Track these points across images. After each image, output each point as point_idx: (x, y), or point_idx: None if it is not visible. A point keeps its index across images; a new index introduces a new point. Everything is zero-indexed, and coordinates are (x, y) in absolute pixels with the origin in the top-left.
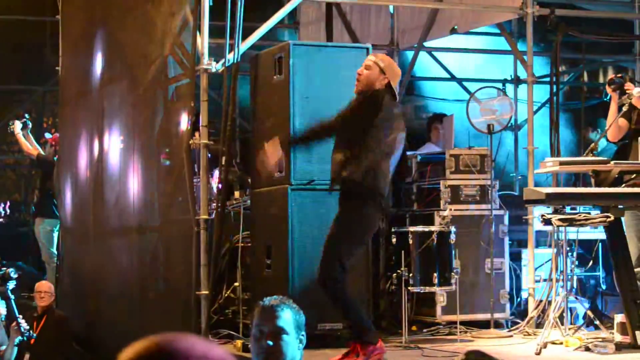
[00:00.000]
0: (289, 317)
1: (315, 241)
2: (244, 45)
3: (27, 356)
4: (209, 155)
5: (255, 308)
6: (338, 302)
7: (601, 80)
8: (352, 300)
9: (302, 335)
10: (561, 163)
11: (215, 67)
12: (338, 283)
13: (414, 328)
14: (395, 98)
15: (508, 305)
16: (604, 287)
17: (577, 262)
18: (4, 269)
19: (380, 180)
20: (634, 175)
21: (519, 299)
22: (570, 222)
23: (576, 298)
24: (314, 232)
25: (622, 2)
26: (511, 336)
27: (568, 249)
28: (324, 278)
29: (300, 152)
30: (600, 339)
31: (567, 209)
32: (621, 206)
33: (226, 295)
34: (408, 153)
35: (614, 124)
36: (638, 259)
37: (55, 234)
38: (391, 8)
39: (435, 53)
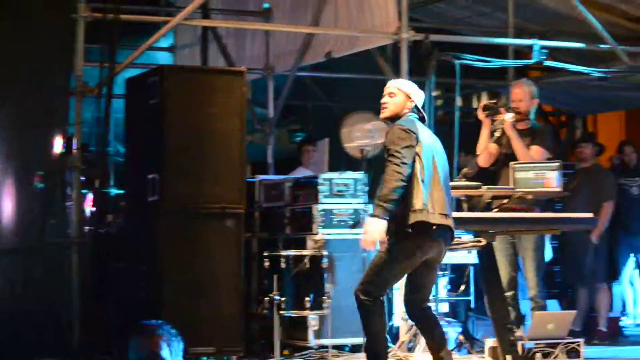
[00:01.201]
0: (166, 342)
1: (187, 264)
2: (120, 69)
3: None
4: (83, 178)
5: (133, 333)
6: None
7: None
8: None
9: None
10: None
11: (91, 90)
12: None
13: (285, 352)
14: (424, 120)
15: None
16: (474, 311)
17: (449, 286)
18: None
19: None
20: (505, 200)
21: (391, 323)
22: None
23: (447, 322)
24: (186, 255)
25: (496, 27)
26: None
27: (440, 273)
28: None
29: (177, 175)
30: None
31: None
32: (492, 231)
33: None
34: (281, 177)
35: (485, 150)
36: (509, 284)
37: None
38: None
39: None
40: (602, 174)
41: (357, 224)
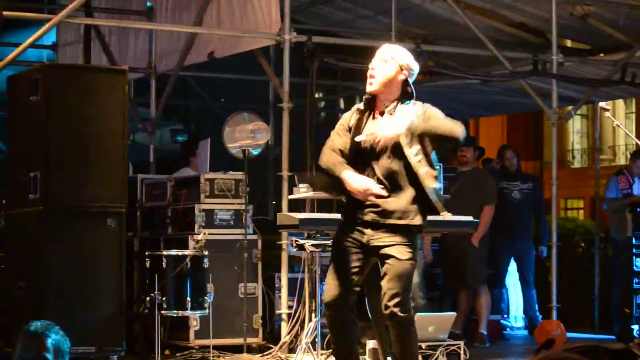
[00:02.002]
0: (53, 344)
1: (69, 263)
2: (1, 66)
3: None
4: None
5: (19, 334)
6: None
7: None
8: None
9: None
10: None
11: None
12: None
13: (167, 352)
14: (413, 96)
15: (261, 330)
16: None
17: None
18: None
19: None
20: None
21: (272, 324)
22: (323, 248)
23: None
24: (67, 254)
25: (379, 31)
26: None
27: (321, 274)
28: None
29: (58, 173)
30: None
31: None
32: None
33: None
34: (163, 177)
35: None
36: None
37: None
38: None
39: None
40: (483, 178)
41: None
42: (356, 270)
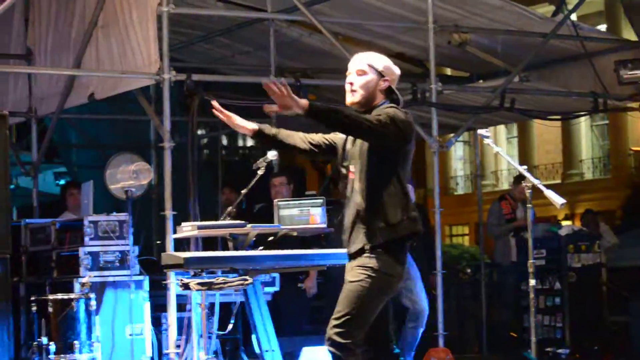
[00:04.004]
0: None
1: None
2: None
3: None
4: None
5: None
6: None
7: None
8: None
9: None
10: (199, 227)
11: None
12: None
13: None
14: (399, 102)
15: None
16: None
17: (217, 325)
18: None
19: None
20: (270, 237)
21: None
22: (209, 286)
23: None
24: None
25: (258, 66)
26: None
27: (208, 312)
28: None
29: None
30: None
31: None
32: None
33: None
34: (47, 220)
35: None
36: None
37: None
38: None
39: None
40: None
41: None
42: None
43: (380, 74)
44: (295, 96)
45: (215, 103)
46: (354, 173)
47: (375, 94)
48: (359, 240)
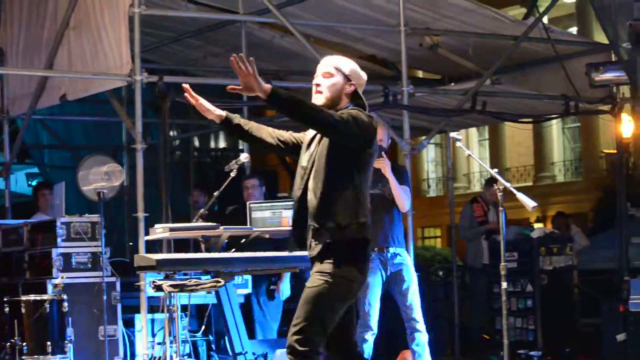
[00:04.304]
0: None
1: None
2: None
3: None
4: None
5: None
6: None
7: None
8: None
9: None
10: (171, 229)
11: None
12: None
13: None
14: (365, 108)
15: None
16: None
17: (190, 327)
18: None
19: None
20: (243, 239)
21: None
22: (181, 288)
23: None
24: None
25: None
26: None
27: (181, 314)
28: None
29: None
30: None
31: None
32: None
33: None
34: (19, 222)
35: None
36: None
37: None
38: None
39: (46, 120)
40: None
41: None
42: None
43: (347, 78)
44: (260, 79)
45: (186, 86)
46: (310, 172)
47: (341, 97)
48: (313, 242)
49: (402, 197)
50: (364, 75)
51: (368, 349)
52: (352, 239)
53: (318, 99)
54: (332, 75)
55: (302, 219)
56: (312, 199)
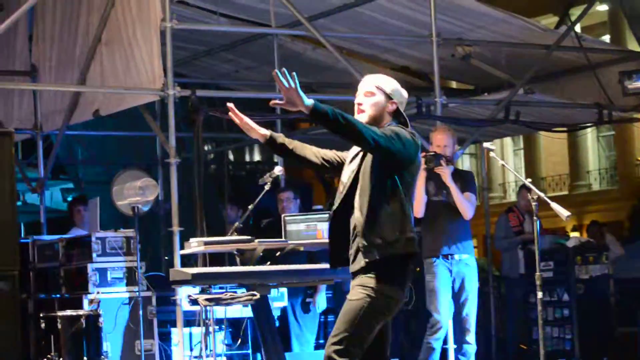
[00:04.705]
0: None
1: None
2: None
3: None
4: None
5: None
6: None
7: (247, 158)
8: None
9: None
10: (206, 243)
11: None
12: None
13: None
14: (407, 125)
15: None
16: None
17: (226, 341)
18: None
19: None
20: (278, 252)
21: None
22: (217, 302)
23: None
24: None
25: (263, 81)
26: None
27: (217, 327)
28: None
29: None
30: None
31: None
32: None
33: None
34: (54, 237)
35: (421, 201)
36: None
37: None
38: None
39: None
40: None
41: None
42: None
43: (389, 96)
44: (303, 93)
45: (231, 105)
46: (350, 188)
47: (383, 115)
48: (359, 257)
49: (464, 205)
50: (405, 94)
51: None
52: (398, 254)
53: (361, 118)
54: (373, 94)
55: (339, 235)
56: (358, 216)
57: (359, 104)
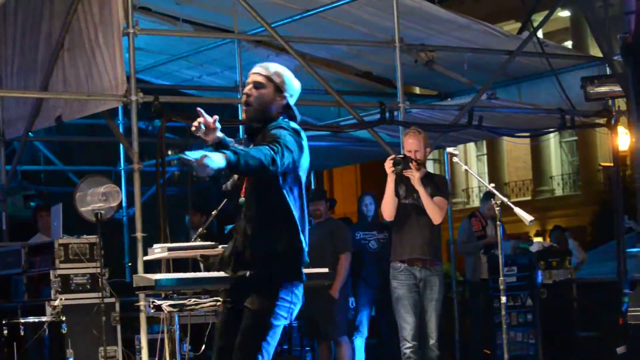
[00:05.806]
0: None
1: None
2: None
3: None
4: None
5: None
6: None
7: None
8: None
9: None
10: (170, 249)
11: None
12: None
13: None
14: (296, 119)
15: None
16: None
17: (190, 347)
18: None
19: None
20: None
21: None
22: (181, 308)
23: None
24: None
25: (227, 87)
26: None
27: (180, 333)
28: None
29: None
30: None
31: None
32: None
33: None
34: (17, 244)
35: (390, 203)
36: (414, 334)
37: None
38: None
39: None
40: (336, 227)
41: None
42: None
43: (279, 89)
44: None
45: (200, 110)
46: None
47: (271, 110)
48: (243, 267)
49: (432, 209)
50: (297, 85)
51: None
52: (284, 266)
53: (246, 113)
54: (263, 85)
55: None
56: (245, 225)
57: (247, 96)
